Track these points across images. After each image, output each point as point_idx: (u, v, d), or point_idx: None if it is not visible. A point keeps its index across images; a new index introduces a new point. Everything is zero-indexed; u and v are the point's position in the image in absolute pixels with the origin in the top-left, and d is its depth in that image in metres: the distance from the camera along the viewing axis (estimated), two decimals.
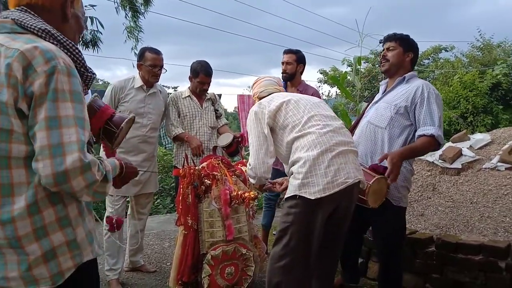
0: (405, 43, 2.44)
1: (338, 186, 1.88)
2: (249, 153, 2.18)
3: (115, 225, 2.02)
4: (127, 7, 9.45)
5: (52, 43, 1.11)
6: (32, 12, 1.14)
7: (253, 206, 2.77)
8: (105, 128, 1.42)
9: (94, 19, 8.89)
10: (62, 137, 1.02)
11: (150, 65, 2.92)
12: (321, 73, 15.64)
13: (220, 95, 3.78)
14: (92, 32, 9.04)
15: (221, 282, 2.53)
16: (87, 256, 1.16)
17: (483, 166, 3.66)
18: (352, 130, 2.59)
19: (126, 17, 9.63)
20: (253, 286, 2.68)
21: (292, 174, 2.00)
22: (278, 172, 2.93)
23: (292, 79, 3.41)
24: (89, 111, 1.24)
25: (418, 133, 2.26)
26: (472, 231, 2.98)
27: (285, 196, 2.03)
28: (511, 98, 9.73)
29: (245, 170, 2.70)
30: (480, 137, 4.21)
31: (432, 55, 15.13)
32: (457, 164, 3.77)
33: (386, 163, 2.16)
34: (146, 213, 3.20)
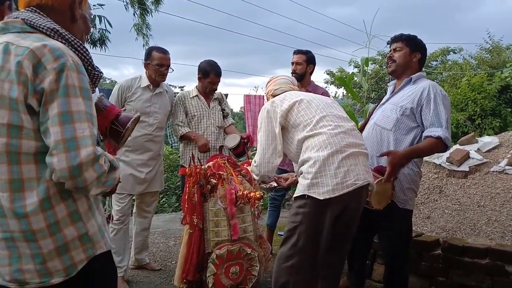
0: (411, 44, 2.42)
1: (348, 187, 1.88)
2: (255, 153, 2.18)
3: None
4: (136, 5, 9.51)
5: (61, 42, 1.13)
6: (42, 13, 1.17)
7: (259, 206, 2.77)
8: (111, 128, 1.44)
9: (103, 18, 8.95)
10: (75, 132, 1.05)
11: (157, 64, 2.93)
12: (327, 74, 15.62)
13: (226, 95, 3.78)
14: (101, 31, 9.11)
15: (225, 281, 2.53)
16: (100, 249, 1.20)
17: (491, 169, 3.63)
18: (360, 131, 2.58)
19: (134, 15, 9.71)
20: (258, 286, 2.68)
21: (301, 174, 2.00)
22: (285, 172, 2.93)
23: (301, 79, 3.40)
24: (95, 111, 1.26)
25: (424, 134, 2.23)
26: (479, 234, 2.96)
27: (294, 196, 2.03)
28: None
29: (251, 170, 2.71)
30: (488, 140, 4.17)
31: (440, 57, 15.04)
32: (465, 167, 3.74)
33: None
34: (152, 212, 3.22)
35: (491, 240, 2.81)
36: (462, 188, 3.57)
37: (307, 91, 3.31)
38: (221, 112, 3.30)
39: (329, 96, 3.40)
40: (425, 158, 3.44)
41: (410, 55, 2.41)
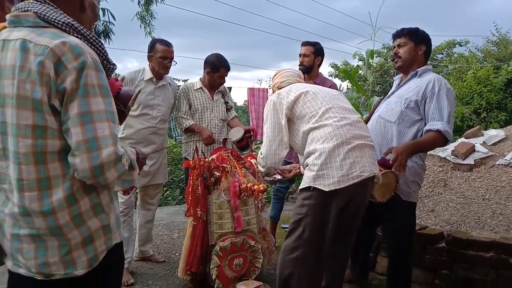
0: (415, 37, 2.39)
1: (353, 179, 1.88)
2: (258, 146, 2.17)
3: None
4: None
5: (76, 37, 1.12)
6: (51, 3, 1.13)
7: (262, 199, 2.77)
8: None
9: (106, 10, 8.94)
10: (96, 132, 1.06)
11: (161, 57, 2.92)
12: (332, 67, 15.52)
13: (230, 88, 3.76)
14: (105, 24, 9.10)
15: (229, 273, 2.54)
16: (115, 239, 1.22)
17: (496, 163, 3.61)
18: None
19: (139, 4, 9.67)
20: (261, 278, 2.69)
21: (307, 165, 2.00)
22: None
23: (309, 71, 3.36)
24: None
25: (426, 127, 2.23)
26: (484, 228, 2.95)
27: (299, 188, 2.03)
28: None
29: (255, 163, 2.71)
30: (493, 133, 4.15)
31: (446, 49, 14.87)
32: (470, 160, 3.72)
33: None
34: (155, 204, 3.23)
35: (495, 234, 2.80)
36: (467, 182, 3.56)
37: (315, 83, 3.27)
38: (225, 105, 3.30)
39: (337, 89, 3.38)
40: (430, 151, 3.42)
41: (415, 49, 2.39)
